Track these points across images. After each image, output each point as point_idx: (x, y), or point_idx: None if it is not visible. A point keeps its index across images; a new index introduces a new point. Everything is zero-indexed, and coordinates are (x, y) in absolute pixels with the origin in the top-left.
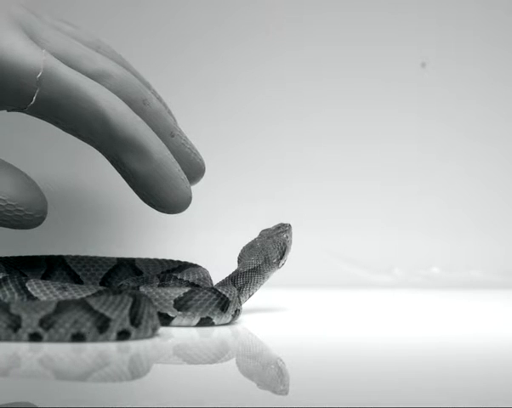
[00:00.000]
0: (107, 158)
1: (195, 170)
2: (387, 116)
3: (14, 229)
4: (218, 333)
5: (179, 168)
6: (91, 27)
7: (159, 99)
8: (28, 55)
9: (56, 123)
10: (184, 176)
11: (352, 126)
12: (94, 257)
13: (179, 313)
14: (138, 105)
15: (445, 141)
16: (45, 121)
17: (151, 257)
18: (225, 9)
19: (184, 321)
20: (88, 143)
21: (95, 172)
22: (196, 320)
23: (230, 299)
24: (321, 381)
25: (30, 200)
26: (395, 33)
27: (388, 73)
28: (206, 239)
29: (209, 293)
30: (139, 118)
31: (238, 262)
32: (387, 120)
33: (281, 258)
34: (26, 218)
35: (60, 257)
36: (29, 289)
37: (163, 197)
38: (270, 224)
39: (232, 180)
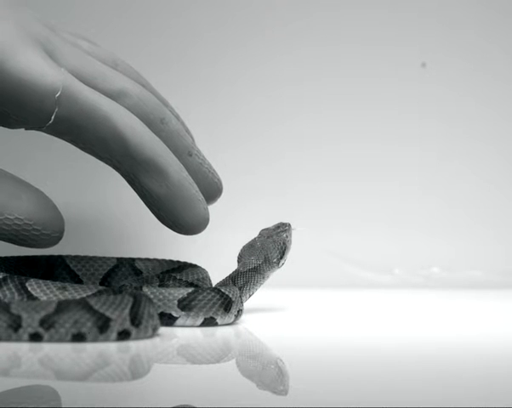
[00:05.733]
0: (124, 177)
1: (212, 190)
2: (387, 116)
3: (31, 247)
4: (221, 333)
5: (197, 189)
6: (92, 28)
7: (177, 117)
8: (47, 74)
9: (74, 142)
10: (201, 197)
11: (353, 126)
12: (94, 257)
13: (183, 313)
14: (156, 124)
15: (445, 141)
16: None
17: (151, 257)
18: (226, 10)
19: (188, 321)
20: (106, 162)
21: (96, 172)
22: (200, 320)
23: (233, 299)
24: (321, 381)
25: (47, 219)
26: (395, 33)
27: (388, 73)
28: (206, 239)
29: (213, 293)
30: (157, 138)
31: (238, 261)
32: (387, 120)
33: (281, 258)
34: (43, 237)
35: (60, 257)
36: (29, 289)
37: (180, 218)
38: (270, 224)
39: (232, 180)
